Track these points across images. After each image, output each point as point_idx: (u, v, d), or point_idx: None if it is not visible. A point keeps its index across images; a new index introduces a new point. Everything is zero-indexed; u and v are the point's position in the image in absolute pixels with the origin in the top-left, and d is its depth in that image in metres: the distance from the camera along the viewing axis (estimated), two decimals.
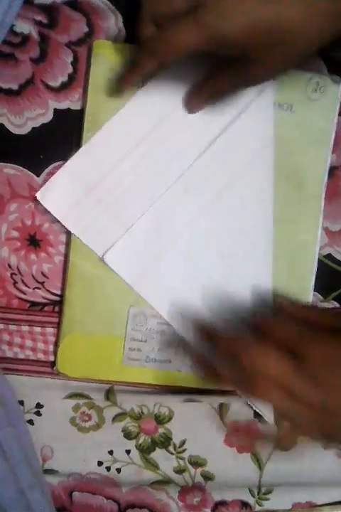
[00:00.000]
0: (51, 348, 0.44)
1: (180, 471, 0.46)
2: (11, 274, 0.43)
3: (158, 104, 0.41)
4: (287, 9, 0.32)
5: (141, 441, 0.45)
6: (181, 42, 0.33)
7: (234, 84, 0.38)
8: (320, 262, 0.44)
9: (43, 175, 0.42)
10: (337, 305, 0.45)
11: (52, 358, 0.44)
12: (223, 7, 0.32)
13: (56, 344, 0.43)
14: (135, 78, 0.38)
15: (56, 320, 0.43)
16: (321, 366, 0.32)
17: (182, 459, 0.46)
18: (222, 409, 0.45)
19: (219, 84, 0.38)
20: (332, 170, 0.43)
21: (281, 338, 0.33)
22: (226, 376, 0.35)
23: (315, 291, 0.44)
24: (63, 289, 0.43)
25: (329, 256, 0.45)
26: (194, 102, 0.40)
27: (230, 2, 0.32)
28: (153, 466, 0.46)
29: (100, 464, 0.45)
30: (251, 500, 0.46)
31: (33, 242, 0.43)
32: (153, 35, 0.35)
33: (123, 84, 0.39)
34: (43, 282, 0.43)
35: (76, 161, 0.41)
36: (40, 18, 0.40)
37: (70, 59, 0.41)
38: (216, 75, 0.38)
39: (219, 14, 0.32)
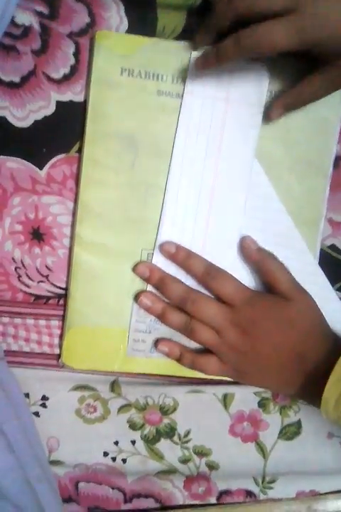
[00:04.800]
0: (56, 340, 0.44)
1: (185, 460, 0.46)
2: (15, 268, 0.43)
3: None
4: None
5: (146, 431, 0.46)
6: (274, 41, 0.33)
7: (325, 89, 0.37)
8: (323, 252, 0.44)
9: (46, 168, 0.42)
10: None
11: (57, 351, 0.44)
12: (323, 16, 0.33)
13: (61, 337, 0.43)
14: (214, 61, 0.37)
15: (61, 313, 0.43)
16: (248, 320, 0.40)
17: (187, 448, 0.46)
18: (226, 399, 0.45)
19: (309, 90, 0.37)
20: (338, 160, 0.43)
21: (225, 293, 0.41)
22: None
23: None
24: (67, 282, 0.43)
25: (332, 246, 0.45)
26: (276, 111, 0.39)
27: (329, 9, 0.33)
28: (158, 456, 0.46)
29: (106, 454, 0.45)
30: (255, 489, 0.46)
31: (37, 235, 0.43)
32: (246, 29, 0.34)
33: (203, 63, 0.39)
34: (47, 276, 0.43)
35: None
36: (41, 8, 0.40)
37: (72, 50, 0.41)
38: (305, 80, 0.37)
39: (317, 23, 0.33)
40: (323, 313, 0.41)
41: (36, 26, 0.40)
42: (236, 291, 0.41)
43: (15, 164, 0.41)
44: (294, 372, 0.40)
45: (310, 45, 0.34)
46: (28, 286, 0.43)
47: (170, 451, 0.46)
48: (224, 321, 0.40)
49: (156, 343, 0.43)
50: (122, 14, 0.40)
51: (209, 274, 0.41)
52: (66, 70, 0.41)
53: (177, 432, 0.46)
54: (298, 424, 0.46)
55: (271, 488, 0.46)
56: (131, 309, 0.43)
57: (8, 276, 0.43)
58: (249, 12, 0.34)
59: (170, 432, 0.46)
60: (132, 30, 0.41)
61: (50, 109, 0.41)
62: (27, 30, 0.40)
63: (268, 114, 0.40)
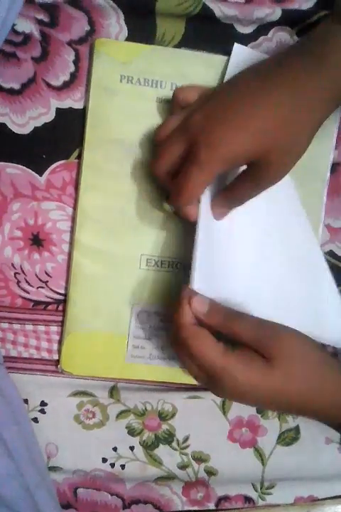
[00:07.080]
0: (55, 346, 0.44)
1: (183, 466, 0.46)
2: (15, 274, 0.43)
3: None
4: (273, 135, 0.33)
5: (144, 437, 0.46)
6: (194, 188, 0.35)
7: (255, 190, 0.36)
8: None
9: (46, 174, 0.42)
10: None
11: (56, 357, 0.44)
12: (216, 141, 0.33)
13: (60, 343, 0.43)
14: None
15: (60, 319, 0.43)
16: (232, 396, 0.34)
17: (186, 454, 0.46)
18: (224, 405, 0.45)
19: (240, 193, 0.37)
20: (335, 166, 0.43)
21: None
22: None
23: None
24: (67, 287, 0.43)
25: (330, 253, 0.45)
26: (217, 210, 0.39)
27: (219, 134, 0.33)
28: (157, 462, 0.46)
29: (104, 460, 0.45)
30: (254, 495, 0.46)
31: (36, 241, 0.43)
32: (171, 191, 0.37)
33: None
34: (47, 281, 0.43)
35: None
36: (42, 16, 0.40)
37: (72, 57, 0.41)
38: (234, 185, 0.37)
39: (216, 152, 0.33)
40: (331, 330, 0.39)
41: (36, 34, 0.40)
42: (207, 361, 0.33)
43: (15, 170, 0.42)
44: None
45: (226, 168, 0.34)
46: (27, 291, 0.43)
47: (169, 457, 0.46)
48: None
49: None
50: (122, 22, 0.41)
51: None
52: (66, 77, 0.41)
53: (176, 438, 0.46)
54: (296, 430, 0.46)
55: (269, 493, 0.46)
56: (130, 315, 0.43)
57: (8, 282, 0.43)
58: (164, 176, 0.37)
59: (168, 438, 0.46)
60: (132, 38, 0.41)
61: (50, 116, 0.41)
62: (27, 38, 0.40)
63: (214, 214, 0.38)
